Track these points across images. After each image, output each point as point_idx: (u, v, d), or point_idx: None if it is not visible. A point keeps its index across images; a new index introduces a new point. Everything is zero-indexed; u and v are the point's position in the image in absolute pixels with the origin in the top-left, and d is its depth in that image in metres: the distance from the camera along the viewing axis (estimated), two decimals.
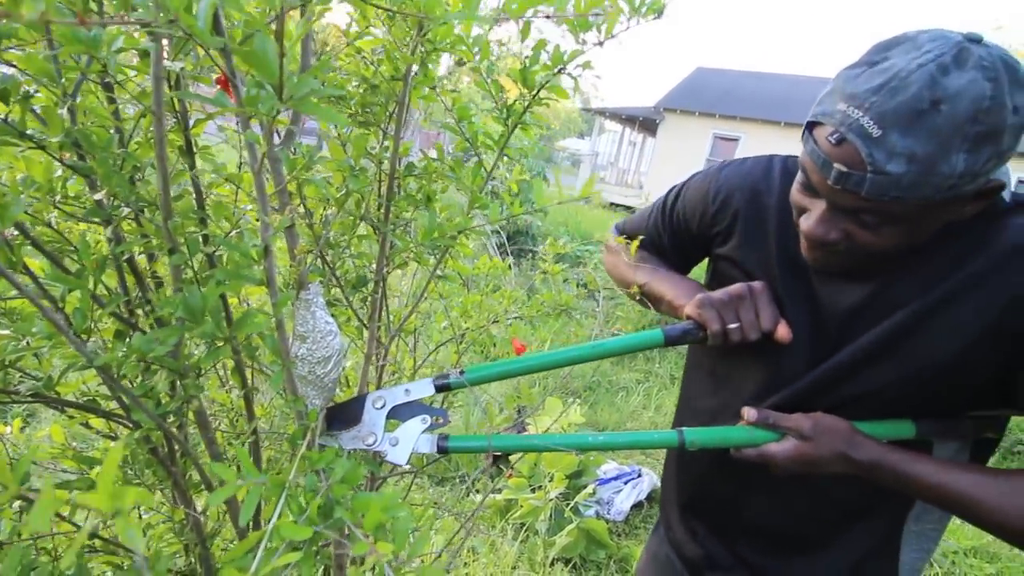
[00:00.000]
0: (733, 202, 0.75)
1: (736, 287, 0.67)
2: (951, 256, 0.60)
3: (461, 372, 0.67)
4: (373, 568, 0.45)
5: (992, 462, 0.76)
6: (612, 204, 13.94)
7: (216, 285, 0.50)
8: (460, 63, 0.83)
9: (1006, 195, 0.59)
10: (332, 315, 0.67)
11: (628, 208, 13.38)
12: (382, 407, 0.64)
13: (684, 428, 0.66)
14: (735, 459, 0.68)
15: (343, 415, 0.64)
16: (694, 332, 0.68)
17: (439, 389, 0.67)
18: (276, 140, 0.49)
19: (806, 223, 0.59)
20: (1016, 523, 0.57)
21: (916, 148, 0.46)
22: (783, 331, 0.66)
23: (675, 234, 0.85)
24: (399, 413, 0.65)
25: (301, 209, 0.77)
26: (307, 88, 0.46)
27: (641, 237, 0.85)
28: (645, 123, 16.96)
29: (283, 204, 0.50)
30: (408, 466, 0.62)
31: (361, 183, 0.67)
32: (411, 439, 0.62)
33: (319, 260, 0.78)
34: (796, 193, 0.61)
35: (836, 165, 0.51)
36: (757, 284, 0.68)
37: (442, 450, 0.62)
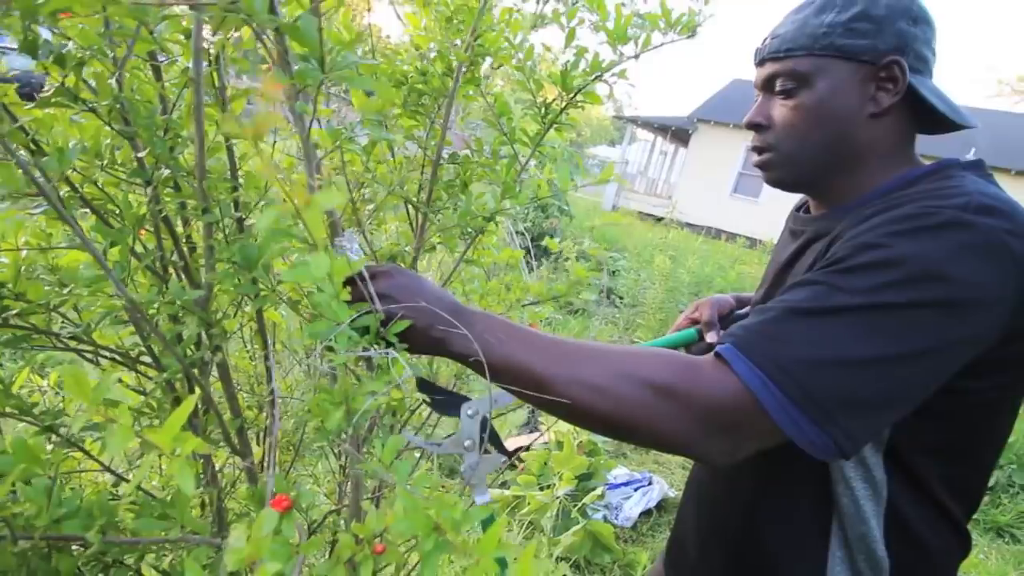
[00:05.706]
0: None
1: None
2: (864, 217, 0.59)
3: None
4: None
5: (986, 501, 0.66)
6: (640, 213, 13.85)
7: (269, 237, 0.53)
8: (497, 67, 0.88)
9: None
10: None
11: (657, 218, 13.27)
12: (474, 415, 0.62)
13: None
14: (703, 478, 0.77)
15: (442, 398, 0.63)
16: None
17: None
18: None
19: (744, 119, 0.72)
20: (571, 392, 0.46)
21: (797, 15, 0.65)
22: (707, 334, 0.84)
23: None
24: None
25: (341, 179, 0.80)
26: (347, 61, 0.50)
27: None
28: (677, 133, 16.79)
29: (317, 171, 0.52)
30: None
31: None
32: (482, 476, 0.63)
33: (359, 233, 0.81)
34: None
35: (758, 49, 0.70)
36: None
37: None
